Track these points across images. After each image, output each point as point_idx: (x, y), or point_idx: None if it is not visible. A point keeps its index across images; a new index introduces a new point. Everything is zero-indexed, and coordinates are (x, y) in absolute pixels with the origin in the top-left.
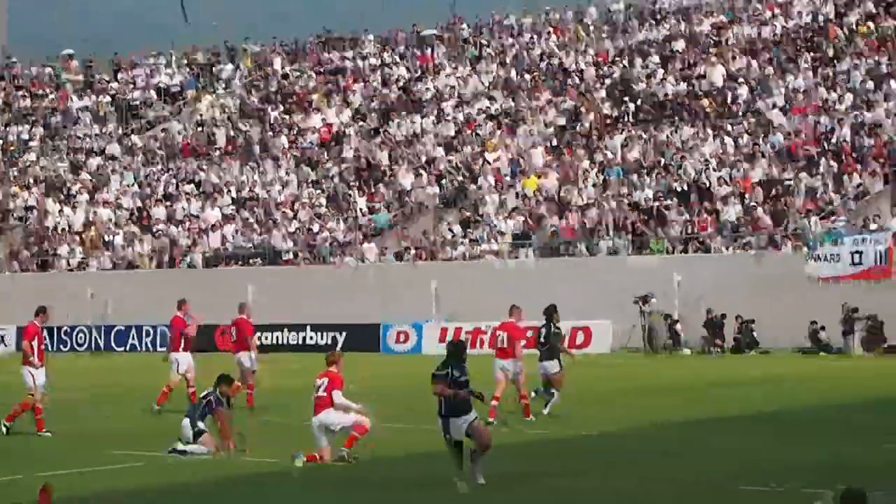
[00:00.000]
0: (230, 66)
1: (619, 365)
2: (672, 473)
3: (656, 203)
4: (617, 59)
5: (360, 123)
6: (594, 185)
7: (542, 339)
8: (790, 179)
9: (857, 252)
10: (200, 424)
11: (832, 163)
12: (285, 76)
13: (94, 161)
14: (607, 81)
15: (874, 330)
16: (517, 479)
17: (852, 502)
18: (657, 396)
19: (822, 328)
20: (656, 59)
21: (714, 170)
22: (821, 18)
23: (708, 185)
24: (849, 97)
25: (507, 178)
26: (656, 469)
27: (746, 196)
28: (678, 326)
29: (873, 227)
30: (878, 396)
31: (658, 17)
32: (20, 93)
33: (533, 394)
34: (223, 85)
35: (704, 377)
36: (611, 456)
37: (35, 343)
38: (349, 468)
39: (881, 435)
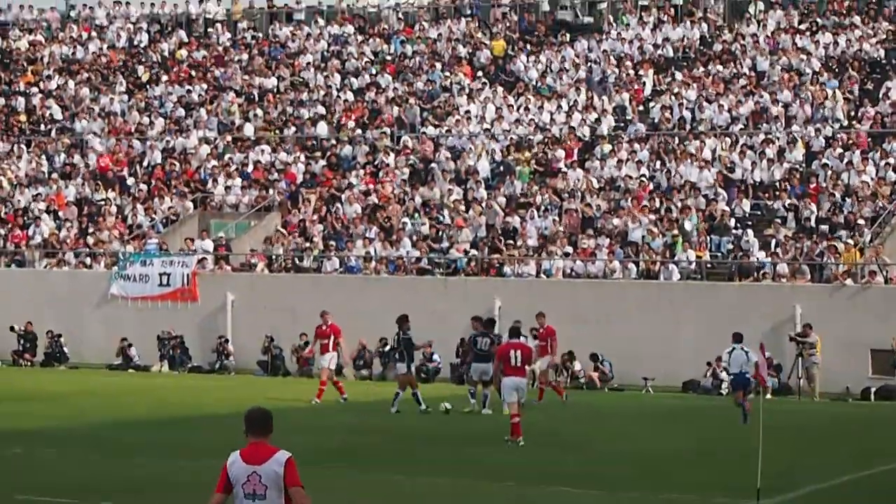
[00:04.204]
0: None
1: None
2: None
3: None
4: None
5: None
6: None
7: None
8: (102, 200)
9: (165, 274)
10: None
11: (142, 185)
12: None
13: None
14: None
15: (179, 349)
16: None
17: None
18: None
19: (131, 345)
20: None
21: (27, 187)
22: (137, 43)
23: (21, 202)
24: (160, 122)
25: None
26: None
27: (61, 213)
28: None
29: (182, 248)
30: (173, 413)
31: None
32: None
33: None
34: None
35: (14, 390)
36: None
37: None
38: None
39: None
